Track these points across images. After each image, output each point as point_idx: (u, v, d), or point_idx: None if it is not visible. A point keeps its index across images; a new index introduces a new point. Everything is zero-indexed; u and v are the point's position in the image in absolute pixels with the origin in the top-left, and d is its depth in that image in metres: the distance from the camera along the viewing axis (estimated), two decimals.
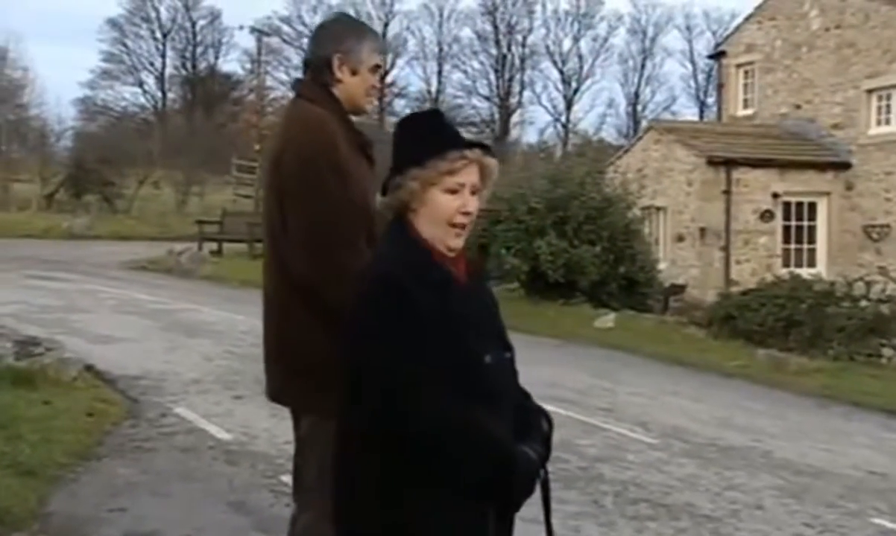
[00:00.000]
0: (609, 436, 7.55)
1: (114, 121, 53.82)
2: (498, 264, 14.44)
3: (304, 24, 60.70)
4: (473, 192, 2.29)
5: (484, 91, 62.39)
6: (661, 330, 13.63)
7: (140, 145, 34.52)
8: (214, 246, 19.68)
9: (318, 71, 2.99)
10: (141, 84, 58.80)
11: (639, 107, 59.16)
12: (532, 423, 2.35)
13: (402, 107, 63.03)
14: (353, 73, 2.97)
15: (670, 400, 9.40)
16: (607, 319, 13.51)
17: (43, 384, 6.96)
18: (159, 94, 59.59)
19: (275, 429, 6.92)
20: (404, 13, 62.02)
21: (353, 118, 3.07)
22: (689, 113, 53.48)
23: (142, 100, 59.12)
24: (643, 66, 60.36)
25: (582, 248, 14.29)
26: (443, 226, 2.26)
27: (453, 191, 2.26)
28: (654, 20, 59.90)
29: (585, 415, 8.18)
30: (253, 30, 42.32)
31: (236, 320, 12.04)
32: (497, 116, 60.96)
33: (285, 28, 59.39)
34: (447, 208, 2.26)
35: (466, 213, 2.27)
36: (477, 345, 2.23)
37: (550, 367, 10.58)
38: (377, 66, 3.04)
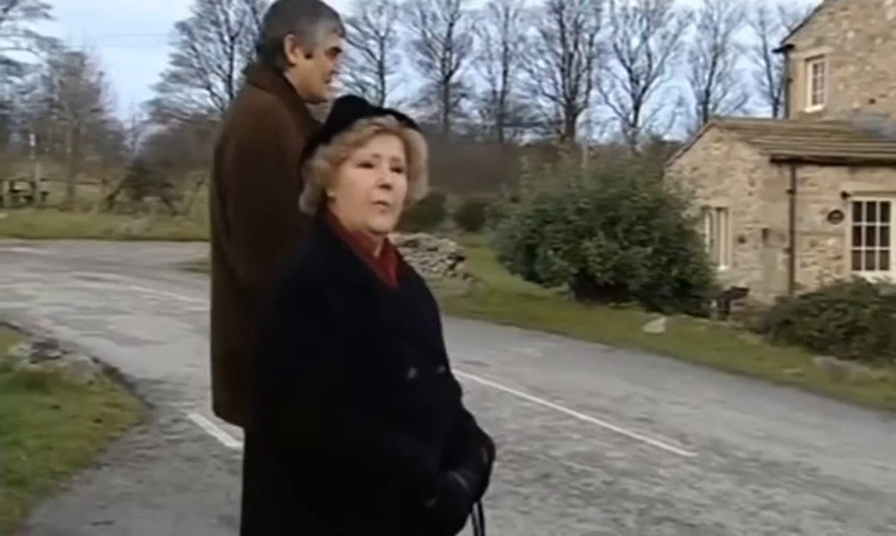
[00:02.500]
0: (641, 449, 7.16)
1: (182, 124, 54.85)
2: (545, 266, 14.07)
3: (369, 25, 61.13)
4: (397, 169, 2.01)
5: (550, 90, 61.89)
6: (715, 336, 13.09)
7: (200, 147, 34.98)
8: None
9: (270, 54, 2.71)
10: (209, 86, 59.87)
11: (709, 106, 57.93)
12: (468, 449, 2.06)
13: (468, 107, 63.07)
14: (308, 56, 2.68)
15: (714, 411, 8.93)
16: (657, 324, 13.04)
17: (56, 388, 6.86)
18: (227, 97, 60.55)
19: None
20: (470, 13, 62.00)
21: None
22: (762, 111, 52.13)
23: (209, 102, 60.18)
24: (714, 64, 59.13)
25: (632, 250, 13.83)
26: (361, 205, 1.99)
27: (368, 165, 1.99)
28: (727, 16, 58.65)
29: (620, 426, 7.80)
30: None
31: None
32: (563, 116, 60.36)
33: (350, 29, 59.73)
34: (362, 184, 1.98)
35: (386, 187, 1.98)
36: (401, 358, 1.95)
37: (592, 374, 10.21)
38: (336, 49, 2.74)
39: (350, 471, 1.86)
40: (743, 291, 18.44)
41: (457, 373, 7.79)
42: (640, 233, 13.99)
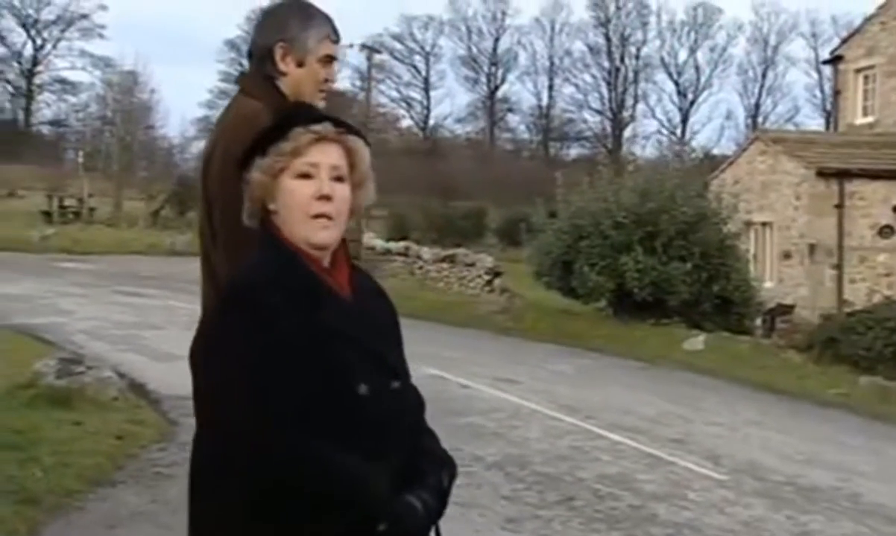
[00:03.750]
0: (673, 471, 6.94)
1: None
2: (581, 282, 13.86)
3: (415, 40, 61.47)
4: (338, 177, 1.90)
5: (596, 105, 61.62)
6: (756, 354, 12.76)
7: None
8: None
9: (261, 62, 2.61)
10: None
11: (759, 119, 57.15)
12: (426, 469, 1.94)
13: (515, 122, 62.96)
14: (299, 64, 2.57)
15: (752, 432, 8.66)
16: (697, 341, 12.75)
17: (79, 404, 6.85)
18: None
19: None
20: (515, 27, 61.80)
21: None
22: (813, 124, 51.19)
23: None
24: (764, 76, 58.40)
25: (672, 265, 13.56)
26: (300, 219, 1.88)
27: (305, 176, 1.88)
28: (777, 28, 57.88)
29: (652, 446, 7.59)
30: (363, 47, 42.81)
31: None
32: (609, 130, 59.94)
33: (396, 45, 60.19)
34: (300, 196, 1.88)
35: (325, 198, 1.88)
36: (349, 372, 1.84)
37: (626, 391, 9.99)
38: (329, 57, 2.64)
39: (290, 492, 1.75)
40: (789, 308, 18.01)
41: (487, 391, 7.63)
42: (679, 248, 13.72)
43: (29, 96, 59.37)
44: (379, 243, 19.42)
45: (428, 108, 62.18)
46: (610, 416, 8.55)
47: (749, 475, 6.98)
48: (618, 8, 60.63)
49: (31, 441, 5.96)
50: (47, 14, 58.77)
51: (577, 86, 61.32)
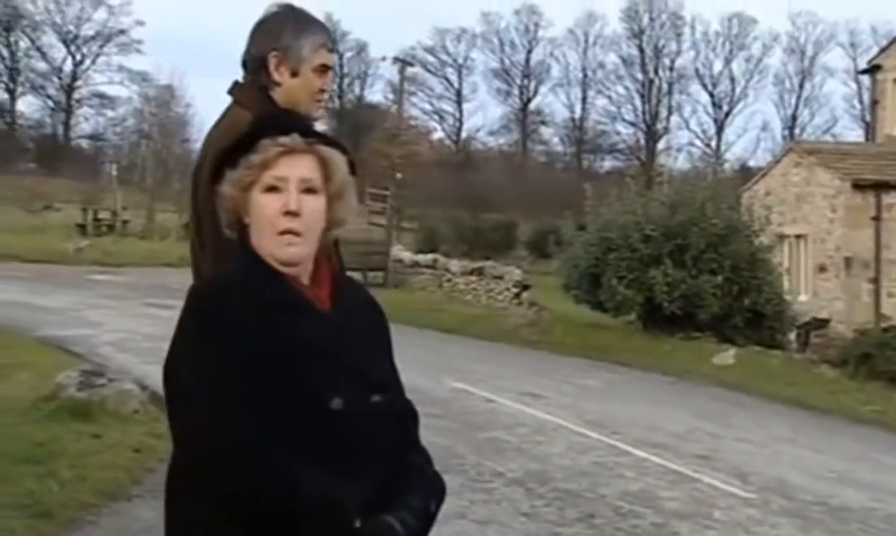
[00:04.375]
0: (698, 488, 6.81)
1: None
2: (610, 295, 13.71)
3: (447, 53, 61.59)
4: (309, 189, 1.84)
5: (629, 116, 61.31)
6: (788, 369, 12.53)
7: None
8: None
9: (255, 72, 2.58)
10: None
11: (796, 130, 56.50)
12: (411, 489, 1.86)
13: (548, 134, 62.82)
14: (293, 73, 2.52)
15: (782, 449, 8.47)
16: (727, 355, 12.55)
17: (100, 416, 6.86)
18: None
19: None
20: (548, 39, 61.67)
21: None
22: (852, 135, 50.37)
23: None
24: (801, 87, 57.75)
25: (702, 279, 13.37)
26: (268, 234, 1.82)
27: (273, 189, 1.82)
28: (815, 38, 57.22)
29: (677, 463, 7.45)
30: (396, 60, 42.97)
31: None
32: (643, 142, 59.59)
33: (429, 58, 60.36)
34: (267, 210, 1.82)
35: (291, 214, 1.81)
36: (323, 385, 1.77)
37: (653, 406, 9.84)
38: (325, 67, 2.59)
39: (258, 509, 1.69)
40: (824, 322, 17.71)
41: (511, 405, 7.50)
42: (709, 261, 13.53)
43: (68, 111, 60.36)
44: (407, 255, 19.39)
45: (460, 121, 62.30)
46: (635, 432, 8.41)
47: (777, 493, 6.82)
48: (651, 19, 60.40)
49: (50, 453, 5.97)
50: (87, 30, 59.80)
51: (610, 98, 61.10)
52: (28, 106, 61.13)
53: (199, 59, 75.76)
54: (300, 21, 2.58)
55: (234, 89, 2.70)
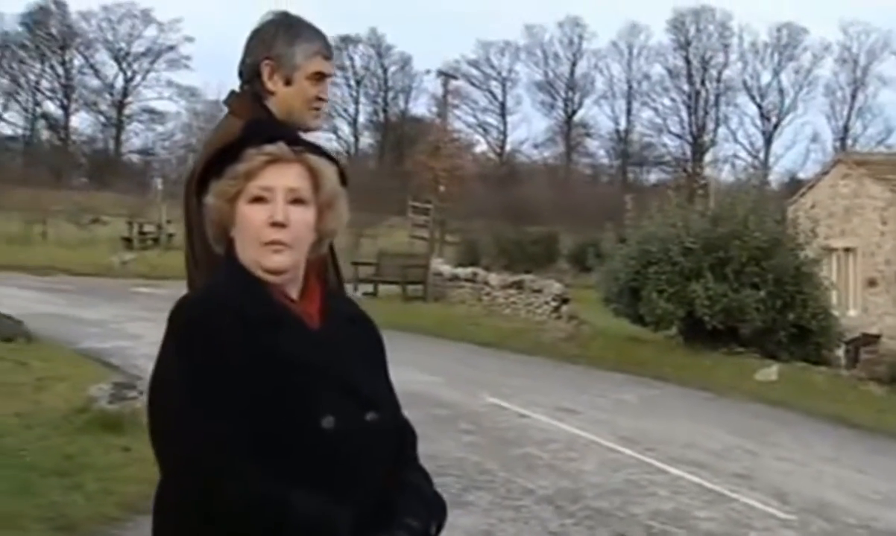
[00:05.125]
0: (734, 508, 6.64)
1: None
2: (649, 309, 13.50)
3: (491, 66, 61.63)
4: (297, 200, 1.79)
5: (675, 129, 60.86)
6: (834, 386, 12.21)
7: None
8: (370, 287, 19.81)
9: (249, 81, 2.55)
10: (335, 130, 61.53)
11: (848, 142, 55.50)
12: (409, 510, 1.80)
13: (594, 147, 62.49)
14: (287, 82, 2.49)
15: (824, 468, 8.23)
16: (770, 371, 12.27)
17: (131, 428, 6.86)
18: (352, 140, 62.16)
19: None
20: (592, 52, 61.46)
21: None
22: None
23: (335, 145, 61.75)
24: (853, 97, 56.80)
25: (744, 293, 13.10)
26: (253, 245, 1.77)
27: (259, 200, 1.77)
28: (868, 47, 56.24)
29: (714, 482, 7.27)
30: (440, 73, 43.06)
31: None
32: (689, 154, 59.00)
33: (473, 71, 60.44)
34: (253, 221, 1.77)
35: (277, 225, 1.76)
36: (313, 403, 1.71)
37: (691, 423, 9.64)
38: (320, 74, 2.54)
39: (243, 532, 1.64)
40: (874, 338, 17.29)
41: (544, 421, 7.39)
42: (752, 274, 13.26)
43: (119, 126, 61.59)
44: (447, 269, 19.33)
45: (504, 134, 62.26)
46: (671, 449, 8.24)
47: (818, 515, 6.62)
48: (698, 30, 59.91)
49: (78, 466, 6.00)
50: (137, 47, 61.05)
51: (655, 110, 60.70)
52: (81, 122, 62.62)
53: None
54: (293, 28, 2.54)
55: (230, 99, 2.67)
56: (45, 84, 61.31)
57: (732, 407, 10.85)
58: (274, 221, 1.75)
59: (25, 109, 61.22)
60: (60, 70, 61.42)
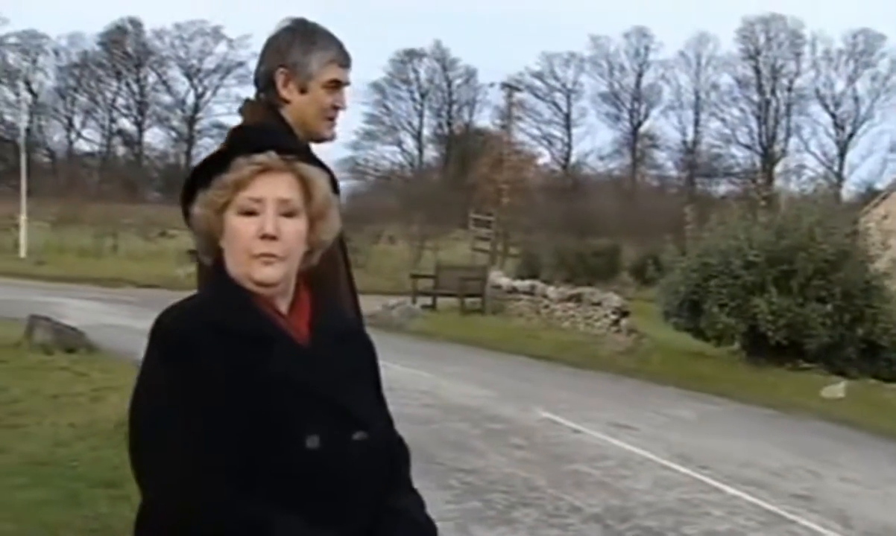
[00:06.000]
0: (792, 531, 6.40)
1: (374, 180, 57.05)
2: (710, 323, 13.18)
3: (556, 78, 61.40)
4: (289, 212, 1.73)
5: (744, 139, 59.84)
6: None
7: (379, 202, 35.89)
8: (429, 300, 19.79)
9: (264, 90, 2.51)
10: (399, 143, 62.00)
11: None
12: (395, 532, 1.74)
13: (662, 159, 61.73)
14: (302, 90, 2.44)
15: (893, 491, 7.88)
16: (837, 388, 11.85)
17: None
18: (416, 153, 62.54)
19: None
20: (659, 62, 60.82)
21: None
22: None
23: (399, 158, 62.20)
24: None
25: (809, 307, 12.69)
26: (243, 258, 1.72)
27: (249, 212, 1.72)
28: None
29: (771, 502, 7.02)
30: (504, 85, 43.05)
31: (420, 378, 11.77)
32: (759, 165, 57.86)
33: (537, 83, 60.26)
34: (242, 233, 1.72)
35: (267, 238, 1.70)
36: (298, 423, 1.66)
37: (750, 441, 9.35)
38: (336, 82, 2.49)
39: None
40: None
41: (598, 437, 7.26)
42: (818, 288, 12.84)
43: (190, 141, 63.03)
44: (505, 281, 19.21)
45: (569, 146, 61.90)
46: (728, 468, 7.99)
47: None
48: (768, 39, 58.86)
49: (126, 477, 5.95)
50: (208, 63, 62.49)
51: (724, 120, 59.80)
52: (154, 137, 64.24)
53: None
54: (309, 36, 2.49)
55: (243, 107, 2.63)
56: (120, 101, 63.21)
57: (795, 425, 10.50)
58: (264, 234, 1.70)
59: (102, 126, 63.25)
60: (135, 87, 63.25)
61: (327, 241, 1.84)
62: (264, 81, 2.50)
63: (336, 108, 2.53)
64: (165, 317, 1.72)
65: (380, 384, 1.92)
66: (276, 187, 1.72)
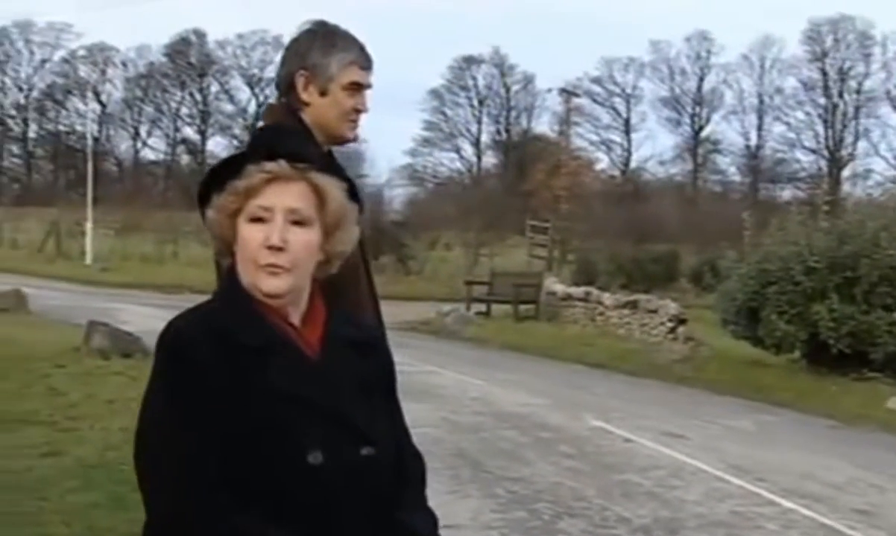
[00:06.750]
0: None
1: (432, 187, 57.26)
2: (769, 331, 12.85)
3: (615, 83, 60.83)
4: (299, 221, 1.69)
5: (810, 143, 58.49)
6: None
7: (437, 208, 36.01)
8: (483, 307, 19.69)
9: (285, 93, 2.50)
10: (457, 150, 62.02)
11: None
12: None
13: (725, 164, 60.73)
14: (322, 93, 2.43)
15: None
16: None
17: None
18: (474, 160, 62.50)
19: (441, 510, 6.39)
20: (721, 66, 59.79)
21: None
22: None
23: (458, 165, 62.25)
24: None
25: (874, 314, 12.29)
26: (250, 267, 1.69)
27: (259, 219, 1.69)
28: None
29: (831, 517, 6.78)
30: (561, 91, 42.86)
31: (472, 385, 11.71)
32: (826, 170, 56.55)
33: (595, 88, 59.77)
34: (249, 242, 1.69)
35: (274, 248, 1.67)
36: (301, 438, 1.63)
37: (810, 454, 9.08)
38: (356, 84, 2.46)
39: None
40: None
41: (650, 446, 7.12)
42: (883, 295, 12.42)
43: None
44: (560, 288, 19.04)
45: (629, 151, 61.28)
46: (785, 480, 7.75)
47: None
48: (836, 40, 57.49)
49: None
50: (269, 72, 63.22)
51: (788, 124, 58.55)
52: (216, 145, 65.24)
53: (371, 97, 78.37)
54: (329, 38, 2.47)
55: (265, 111, 2.63)
56: (184, 110, 64.46)
57: (858, 438, 10.16)
58: (270, 244, 1.67)
59: (167, 135, 64.59)
60: (198, 97, 64.42)
61: (345, 252, 1.80)
62: (285, 84, 2.49)
63: (358, 111, 2.50)
64: (172, 325, 1.70)
65: (395, 398, 1.88)
66: (285, 196, 1.70)
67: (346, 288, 2.16)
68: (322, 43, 2.46)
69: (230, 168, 1.73)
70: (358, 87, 2.48)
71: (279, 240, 1.67)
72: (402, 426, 1.89)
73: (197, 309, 1.76)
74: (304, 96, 2.45)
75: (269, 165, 1.70)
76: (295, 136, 2.28)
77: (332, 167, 1.85)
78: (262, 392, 1.63)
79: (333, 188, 1.75)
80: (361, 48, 2.50)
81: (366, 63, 2.50)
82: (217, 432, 1.59)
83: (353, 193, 1.82)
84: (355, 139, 2.62)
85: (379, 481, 1.70)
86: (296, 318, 1.73)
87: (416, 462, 1.88)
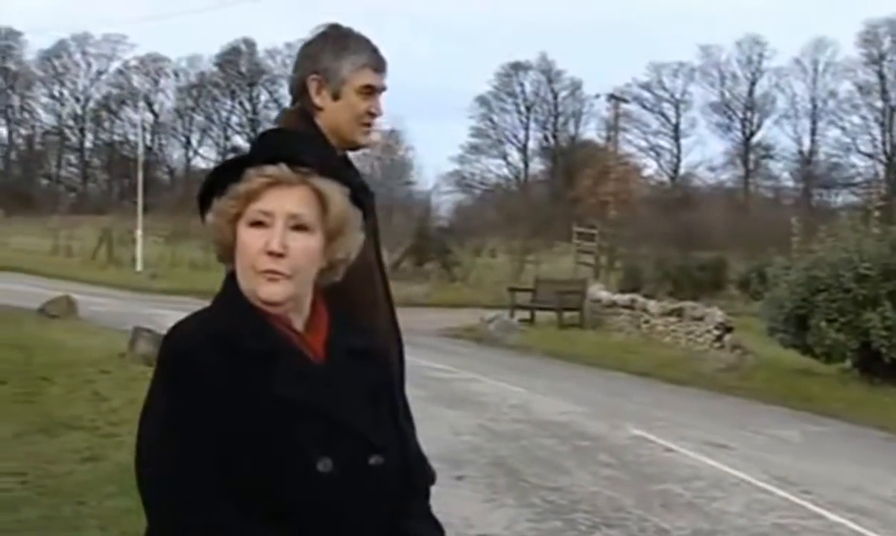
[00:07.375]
0: None
1: (479, 193, 57.22)
2: (818, 339, 12.55)
3: (664, 88, 60.25)
4: (300, 226, 1.65)
5: (866, 148, 57.32)
6: None
7: (483, 215, 35.98)
8: (527, 314, 19.58)
9: (299, 98, 2.46)
10: (504, 156, 61.92)
11: None
12: None
13: (777, 169, 59.78)
14: (335, 96, 2.39)
15: None
16: None
17: None
18: (521, 166, 62.33)
19: (476, 519, 6.34)
20: (773, 70, 58.90)
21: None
22: None
23: (505, 171, 62.15)
24: None
25: None
26: (249, 273, 1.65)
27: (259, 224, 1.65)
28: None
29: (880, 531, 6.60)
30: (610, 97, 42.53)
31: (511, 392, 11.61)
32: (883, 175, 55.35)
33: (644, 94, 59.27)
34: (248, 247, 1.65)
35: (274, 254, 1.63)
36: (307, 445, 1.59)
37: (859, 466, 8.82)
38: (369, 87, 2.42)
39: None
40: None
41: (691, 456, 6.98)
42: None
43: None
44: (605, 295, 18.84)
45: (678, 157, 60.61)
46: (832, 493, 7.54)
47: None
48: (894, 42, 56.28)
49: None
50: None
51: (843, 128, 57.44)
52: None
53: (419, 104, 78.57)
54: (341, 41, 2.43)
55: (280, 116, 2.60)
56: (234, 119, 65.35)
57: None
58: (270, 250, 1.63)
59: (217, 144, 65.48)
60: (248, 105, 65.26)
61: (348, 258, 1.75)
62: (298, 89, 2.46)
63: (372, 115, 2.45)
64: (173, 332, 1.67)
65: (406, 405, 1.86)
66: (286, 201, 1.65)
67: (359, 294, 2.12)
68: (334, 46, 2.42)
69: (231, 171, 1.69)
70: (371, 90, 2.43)
71: (279, 246, 1.63)
72: (409, 430, 1.85)
73: (195, 316, 1.72)
74: (317, 100, 2.41)
75: (270, 169, 1.66)
76: (300, 140, 2.25)
77: (342, 171, 1.81)
78: (266, 400, 1.59)
79: (335, 193, 1.70)
80: (374, 50, 2.45)
81: (379, 65, 2.45)
82: (221, 439, 1.56)
83: (357, 199, 1.77)
84: (370, 144, 2.58)
85: (387, 489, 1.67)
86: (299, 324, 1.69)
87: (424, 468, 1.85)
